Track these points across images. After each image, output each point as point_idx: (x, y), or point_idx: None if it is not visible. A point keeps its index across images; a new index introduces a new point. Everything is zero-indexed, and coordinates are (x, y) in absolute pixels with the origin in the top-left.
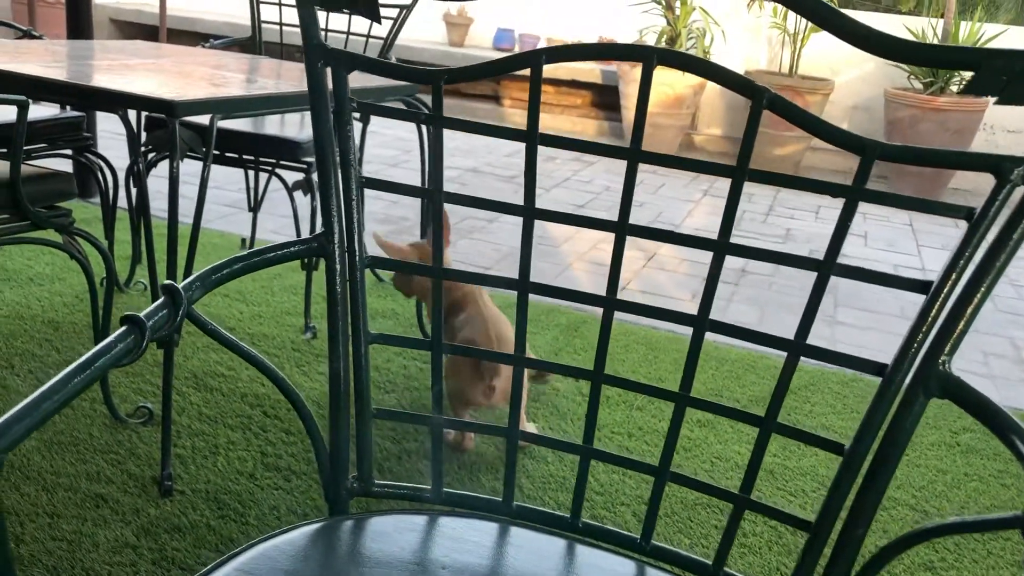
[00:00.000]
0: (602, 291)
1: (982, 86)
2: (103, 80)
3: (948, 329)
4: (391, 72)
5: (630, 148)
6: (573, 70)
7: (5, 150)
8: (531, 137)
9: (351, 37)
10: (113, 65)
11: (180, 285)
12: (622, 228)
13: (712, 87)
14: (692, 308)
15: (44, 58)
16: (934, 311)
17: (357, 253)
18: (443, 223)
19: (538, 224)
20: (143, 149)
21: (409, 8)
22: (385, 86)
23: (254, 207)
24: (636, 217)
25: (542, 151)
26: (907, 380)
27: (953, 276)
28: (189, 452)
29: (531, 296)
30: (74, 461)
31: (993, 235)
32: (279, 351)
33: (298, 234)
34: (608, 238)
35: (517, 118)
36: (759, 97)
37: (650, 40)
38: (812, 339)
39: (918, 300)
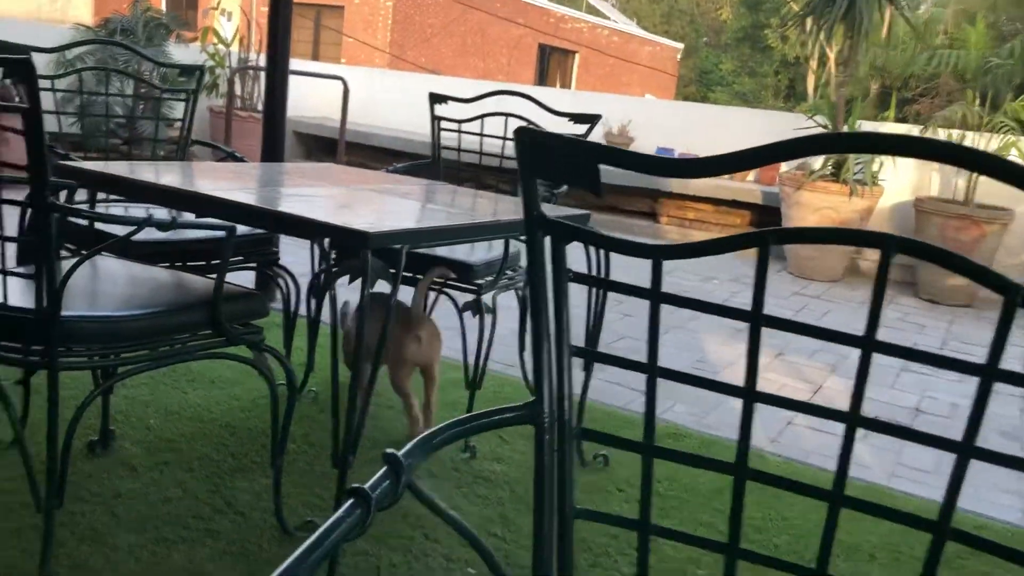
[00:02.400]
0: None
1: None
2: (302, 208)
3: None
4: (612, 244)
5: (863, 336)
6: (734, 190)
7: (203, 263)
8: (756, 318)
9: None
10: (310, 193)
11: (400, 453)
12: (852, 422)
13: (879, 212)
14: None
15: (247, 183)
16: None
17: (567, 424)
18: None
19: (697, 346)
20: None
21: (585, 136)
22: (561, 215)
23: None
24: (797, 345)
25: (702, 270)
26: None
27: None
28: (352, 572)
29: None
30: (242, 573)
31: None
32: (439, 470)
33: (464, 353)
34: (771, 367)
35: (673, 235)
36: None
37: (817, 164)
38: None
39: None
